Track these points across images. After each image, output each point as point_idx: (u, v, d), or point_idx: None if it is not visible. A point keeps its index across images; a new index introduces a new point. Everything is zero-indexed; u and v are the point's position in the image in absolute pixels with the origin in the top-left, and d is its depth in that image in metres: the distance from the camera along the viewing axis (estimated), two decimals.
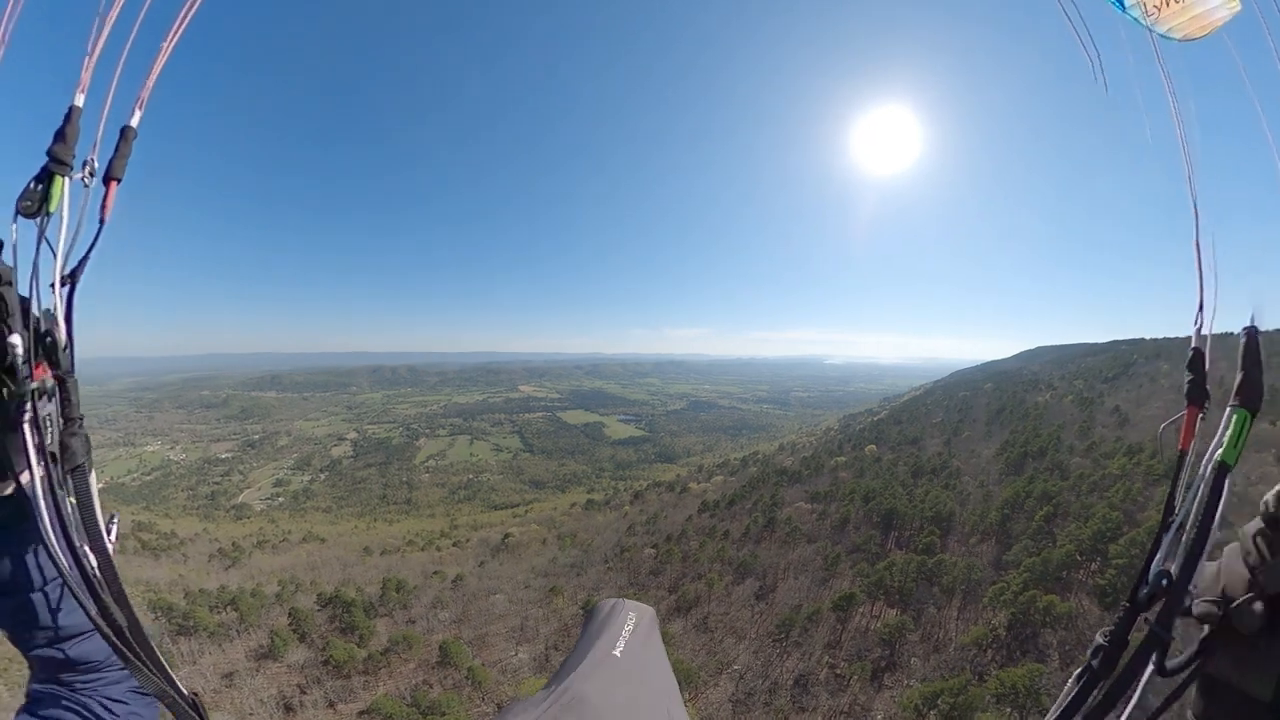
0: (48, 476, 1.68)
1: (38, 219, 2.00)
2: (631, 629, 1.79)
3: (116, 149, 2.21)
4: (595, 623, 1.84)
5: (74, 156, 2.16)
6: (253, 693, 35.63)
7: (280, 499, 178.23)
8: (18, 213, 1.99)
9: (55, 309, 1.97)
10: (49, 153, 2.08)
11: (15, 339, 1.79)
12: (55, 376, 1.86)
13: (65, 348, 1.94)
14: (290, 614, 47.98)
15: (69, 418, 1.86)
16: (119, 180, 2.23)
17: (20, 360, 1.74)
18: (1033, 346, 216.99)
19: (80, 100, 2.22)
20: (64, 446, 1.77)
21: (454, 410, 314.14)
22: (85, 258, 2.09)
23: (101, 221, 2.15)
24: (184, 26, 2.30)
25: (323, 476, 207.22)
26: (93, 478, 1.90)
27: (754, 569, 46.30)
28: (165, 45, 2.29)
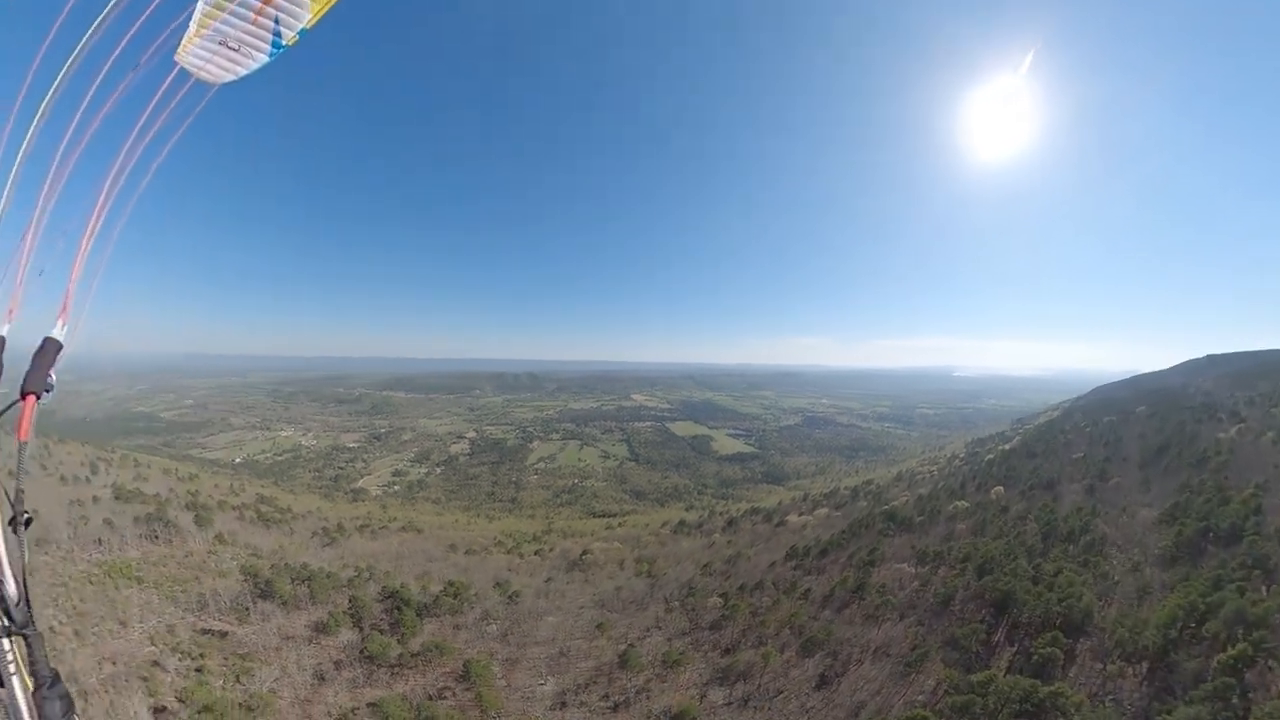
0: None
1: None
2: None
3: (35, 360, 2.96)
4: None
5: None
6: (298, 657, 37.93)
7: (396, 487, 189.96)
8: None
9: None
10: None
11: None
12: None
13: (19, 601, 2.73)
14: (350, 600, 48.09)
15: None
16: (39, 395, 3.01)
17: None
18: (1198, 356, 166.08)
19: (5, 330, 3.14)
20: None
21: (568, 415, 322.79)
22: (19, 492, 2.94)
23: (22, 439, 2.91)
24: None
25: (438, 470, 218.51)
26: None
27: (825, 645, 38.33)
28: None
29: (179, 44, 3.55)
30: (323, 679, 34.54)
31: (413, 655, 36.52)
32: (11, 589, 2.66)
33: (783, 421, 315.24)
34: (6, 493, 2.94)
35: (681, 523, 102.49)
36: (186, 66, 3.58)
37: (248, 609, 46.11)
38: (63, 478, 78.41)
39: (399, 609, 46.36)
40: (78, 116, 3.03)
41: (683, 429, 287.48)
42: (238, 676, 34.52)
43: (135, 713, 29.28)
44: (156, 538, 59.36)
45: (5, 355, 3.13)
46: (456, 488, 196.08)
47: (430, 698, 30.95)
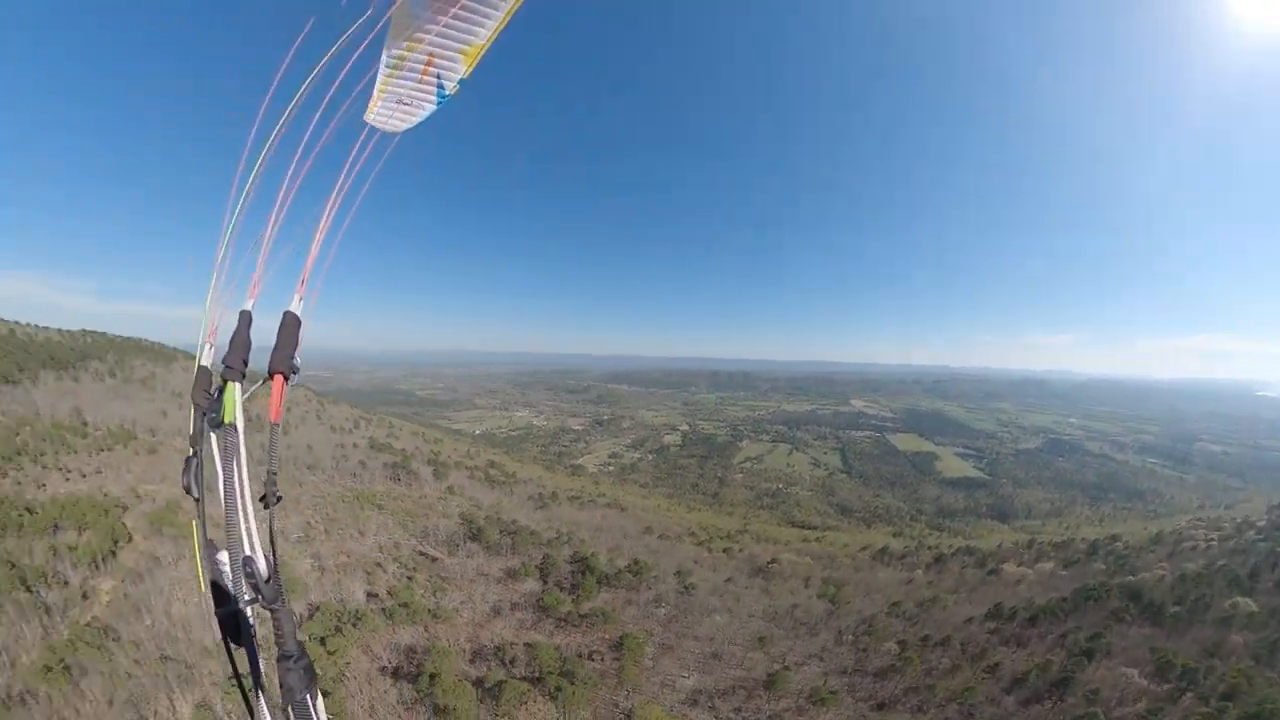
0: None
1: (219, 429, 2.99)
2: None
3: (279, 338, 3.05)
4: None
5: (246, 363, 3.15)
6: (484, 591, 40.86)
7: (610, 468, 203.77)
8: (210, 425, 3.01)
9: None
10: (224, 361, 3.08)
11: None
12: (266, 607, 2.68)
13: (269, 578, 2.74)
14: (544, 557, 50.88)
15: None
16: (287, 376, 3.07)
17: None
18: None
19: (251, 304, 3.36)
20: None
21: (780, 417, 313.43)
22: (272, 472, 3.03)
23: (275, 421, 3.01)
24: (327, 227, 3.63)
25: (650, 457, 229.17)
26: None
27: None
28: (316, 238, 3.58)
29: (367, 106, 4.42)
30: (498, 613, 37.47)
31: (580, 616, 37.26)
32: (262, 566, 2.70)
33: (1020, 443, 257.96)
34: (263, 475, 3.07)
35: (884, 550, 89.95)
36: (373, 124, 4.44)
37: (458, 545, 51.46)
38: (332, 427, 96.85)
39: (583, 573, 47.83)
40: (299, 151, 3.72)
41: (904, 442, 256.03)
42: (434, 591, 38.88)
43: (354, 590, 34.61)
44: (399, 480, 69.59)
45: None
46: (664, 475, 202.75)
47: (580, 655, 30.92)
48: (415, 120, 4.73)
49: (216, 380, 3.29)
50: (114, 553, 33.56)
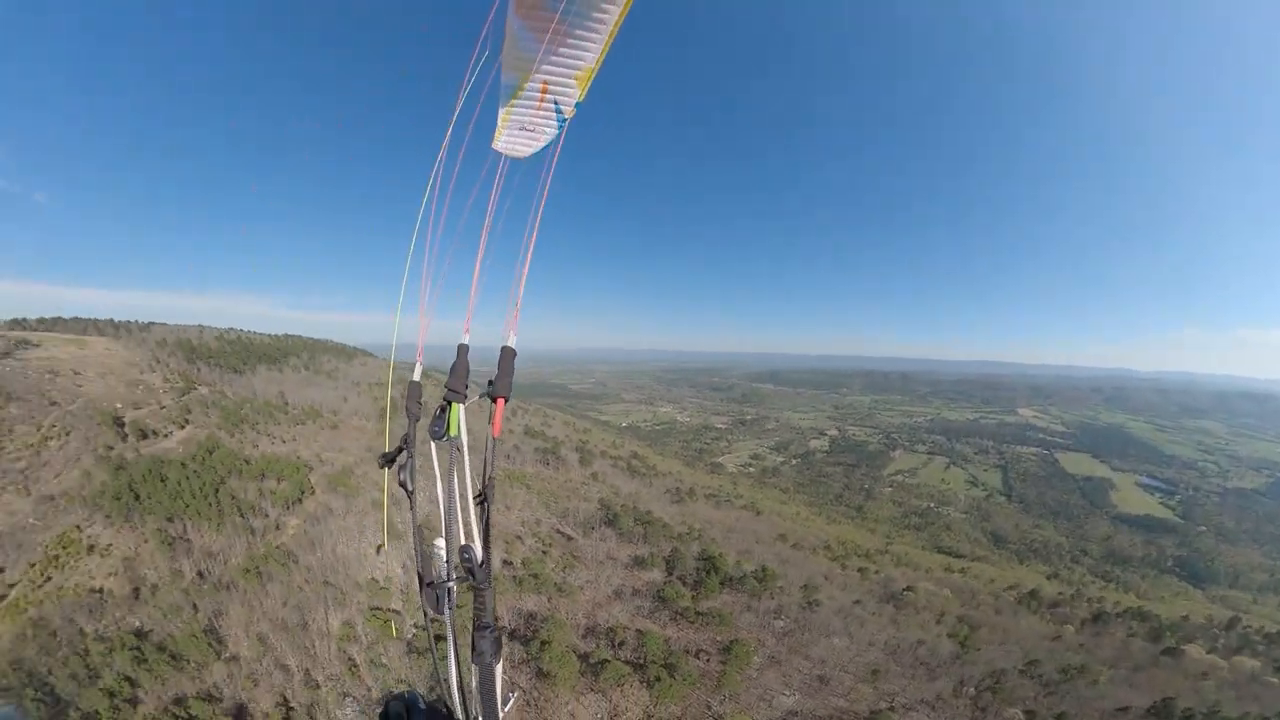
0: None
1: (444, 439, 3.64)
2: None
3: (500, 368, 3.59)
4: None
5: (466, 387, 3.77)
6: (609, 575, 44.28)
7: (751, 469, 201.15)
8: (433, 435, 3.65)
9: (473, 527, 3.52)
10: (448, 385, 3.73)
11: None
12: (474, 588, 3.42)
13: (482, 563, 3.39)
14: (672, 550, 52.70)
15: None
16: (506, 399, 3.60)
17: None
18: None
19: (467, 339, 3.97)
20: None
21: (939, 426, 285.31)
22: (490, 477, 3.70)
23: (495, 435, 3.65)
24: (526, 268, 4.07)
25: (794, 462, 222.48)
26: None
27: None
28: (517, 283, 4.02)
29: (494, 134, 4.95)
30: (619, 596, 39.81)
31: (697, 613, 38.30)
32: (479, 552, 3.39)
33: (1230, 480, 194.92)
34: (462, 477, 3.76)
35: (1033, 593, 77.77)
36: (500, 150, 4.91)
37: (593, 528, 54.92)
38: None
39: (708, 572, 48.82)
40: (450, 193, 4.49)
41: (1075, 463, 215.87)
42: (564, 568, 42.29)
43: (493, 558, 39.59)
44: (547, 464, 75.53)
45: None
46: (807, 482, 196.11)
47: (687, 651, 31.99)
48: (539, 145, 5.05)
49: (426, 396, 4.18)
50: (300, 500, 43.62)
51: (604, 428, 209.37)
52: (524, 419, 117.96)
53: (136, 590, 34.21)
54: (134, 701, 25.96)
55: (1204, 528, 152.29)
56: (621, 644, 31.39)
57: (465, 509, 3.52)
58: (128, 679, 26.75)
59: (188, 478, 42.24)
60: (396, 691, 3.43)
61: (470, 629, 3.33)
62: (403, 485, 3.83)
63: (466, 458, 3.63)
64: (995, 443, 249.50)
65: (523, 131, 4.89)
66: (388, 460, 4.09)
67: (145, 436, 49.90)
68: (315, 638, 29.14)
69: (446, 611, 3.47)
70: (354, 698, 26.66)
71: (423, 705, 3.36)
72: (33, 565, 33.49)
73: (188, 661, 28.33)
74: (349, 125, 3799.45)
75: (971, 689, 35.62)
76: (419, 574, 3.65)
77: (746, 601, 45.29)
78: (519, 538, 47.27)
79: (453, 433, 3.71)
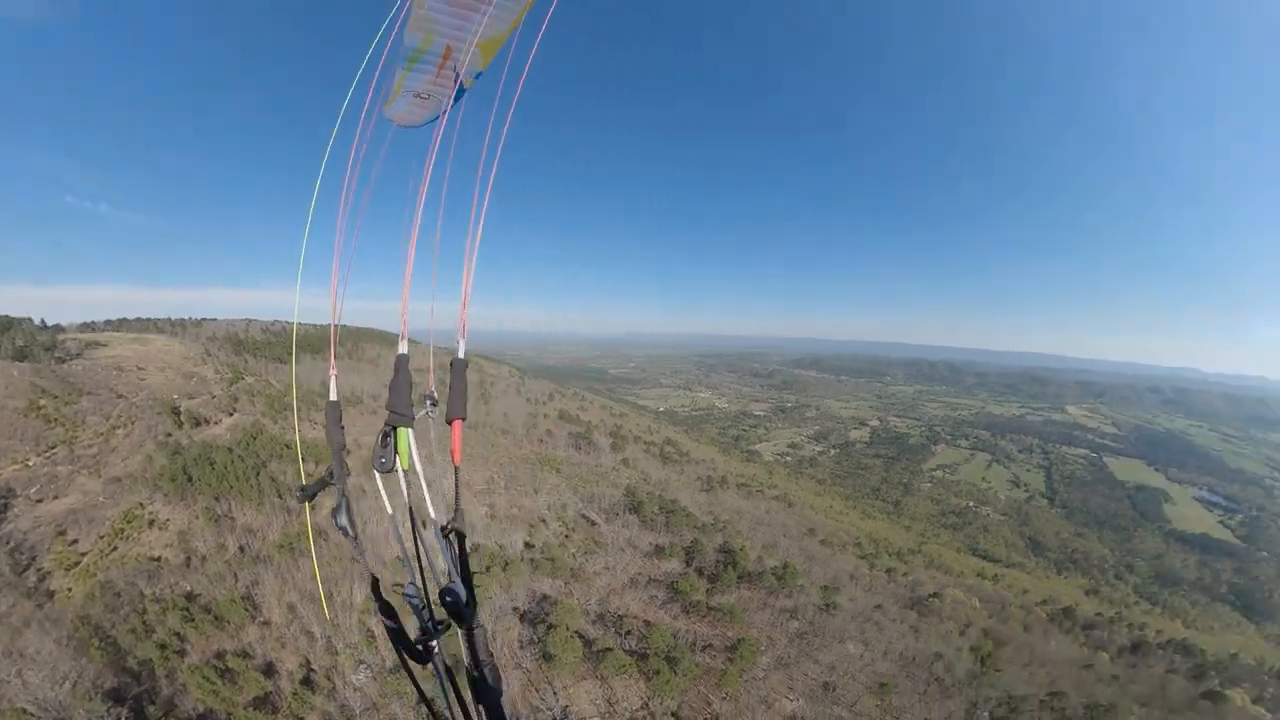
0: None
1: (392, 472, 3.31)
2: None
3: (452, 386, 3.20)
4: None
5: (411, 407, 3.38)
6: (628, 562, 45.47)
7: (788, 458, 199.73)
8: (378, 469, 3.33)
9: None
10: (389, 407, 3.33)
11: None
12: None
13: (467, 602, 3.03)
14: (693, 541, 53.40)
15: None
16: (464, 419, 3.25)
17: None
18: None
19: (405, 348, 3.56)
20: None
21: (984, 420, 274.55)
22: (458, 509, 3.40)
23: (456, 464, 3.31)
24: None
25: (832, 452, 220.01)
26: None
27: None
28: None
29: (388, 100, 4.64)
30: (634, 584, 41.17)
31: (710, 607, 38.89)
32: (462, 592, 3.02)
33: None
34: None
35: (1068, 611, 73.11)
36: (390, 117, 4.67)
37: (617, 515, 56.15)
38: (528, 399, 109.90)
39: (727, 565, 49.23)
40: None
41: (1126, 469, 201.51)
42: (584, 553, 43.77)
43: (515, 539, 41.45)
44: (579, 448, 77.19)
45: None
46: (844, 474, 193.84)
47: (694, 645, 32.72)
48: (430, 115, 4.77)
49: (342, 415, 3.85)
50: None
51: (640, 412, 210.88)
52: (560, 402, 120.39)
53: (188, 560, 37.69)
54: (181, 653, 29.28)
55: (1266, 554, 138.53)
56: (628, 633, 32.46)
57: (438, 544, 3.24)
58: (177, 634, 30.03)
59: (233, 461, 46.17)
60: None
61: (465, 670, 3.07)
62: (344, 531, 3.44)
63: (425, 488, 3.31)
64: (1041, 441, 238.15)
65: (416, 99, 4.65)
66: (306, 495, 3.70)
67: (199, 424, 54.32)
68: (338, 608, 31.91)
69: (437, 665, 3.19)
70: (368, 664, 28.98)
71: None
72: (101, 537, 37.38)
73: (228, 623, 31.48)
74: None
75: (985, 714, 34.23)
76: (389, 630, 3.23)
77: (763, 599, 45.39)
78: (543, 521, 49.16)
79: (404, 464, 3.34)
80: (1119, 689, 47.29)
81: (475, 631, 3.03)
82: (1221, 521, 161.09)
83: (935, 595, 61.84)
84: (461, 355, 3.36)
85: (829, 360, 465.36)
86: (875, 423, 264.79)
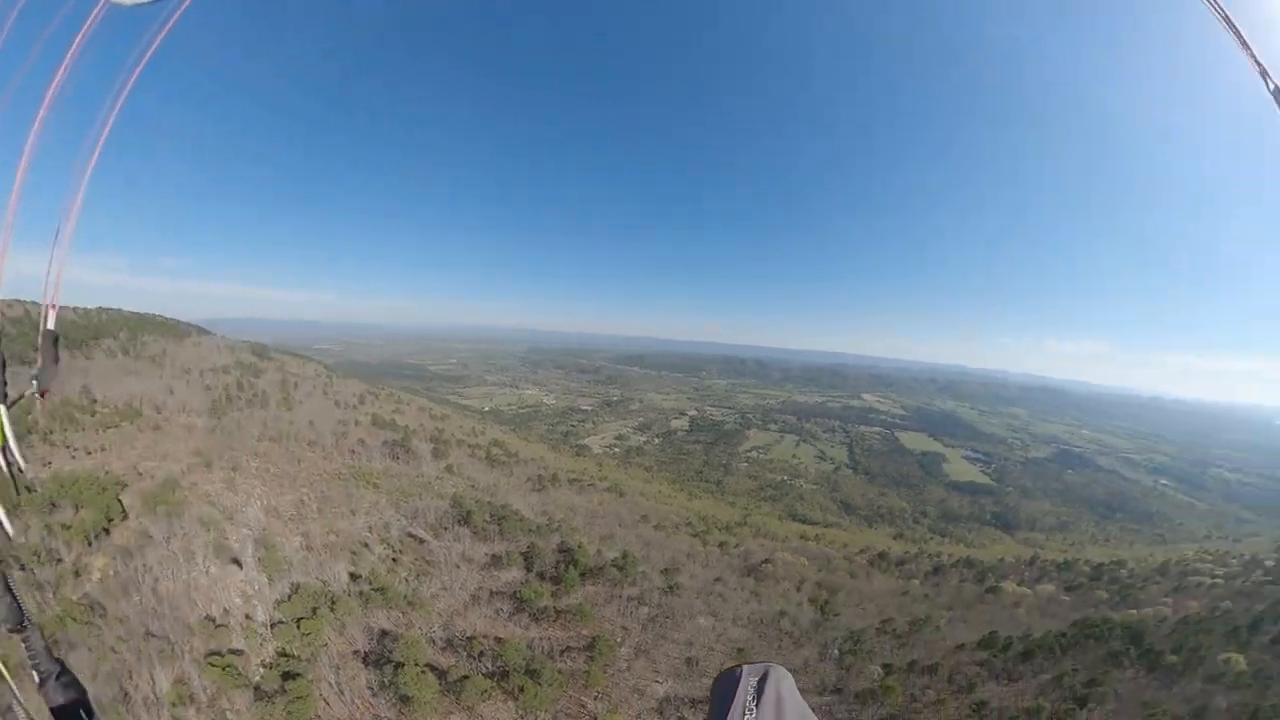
0: None
1: None
2: (754, 698, 1.64)
3: (42, 355, 2.98)
4: (720, 700, 1.73)
5: (5, 383, 3.04)
6: (465, 579, 41.31)
7: (616, 450, 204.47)
8: None
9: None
10: None
11: None
12: None
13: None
14: (530, 545, 50.93)
15: None
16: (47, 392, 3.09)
17: None
18: None
19: None
20: None
21: (790, 408, 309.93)
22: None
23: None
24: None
25: (656, 441, 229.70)
26: None
27: None
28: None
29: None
30: (476, 601, 38.15)
31: (558, 611, 37.26)
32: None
33: (1031, 451, 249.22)
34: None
35: (883, 555, 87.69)
36: None
37: (446, 528, 51.61)
38: (337, 403, 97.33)
39: (568, 565, 47.76)
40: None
41: (913, 441, 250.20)
42: (417, 575, 39.29)
43: (337, 571, 35.28)
44: (397, 458, 70.18)
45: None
46: (669, 460, 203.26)
47: (551, 653, 30.98)
48: None
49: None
50: (107, 530, 34.48)
51: (464, 413, 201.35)
52: (373, 405, 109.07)
53: None
54: None
55: (1011, 489, 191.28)
56: (482, 654, 29.57)
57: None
58: None
59: None
60: None
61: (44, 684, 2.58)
62: None
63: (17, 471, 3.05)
64: (841, 423, 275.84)
65: None
66: None
67: None
68: (141, 710, 23.37)
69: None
70: None
71: None
72: None
73: None
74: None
75: (835, 651, 38.42)
76: None
77: (609, 591, 45.02)
78: (366, 545, 43.05)
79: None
80: (930, 604, 57.45)
81: (30, 634, 2.78)
82: (982, 471, 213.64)
83: (768, 561, 66.88)
84: (51, 326, 3.16)
85: (651, 357, 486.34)
86: (694, 412, 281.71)
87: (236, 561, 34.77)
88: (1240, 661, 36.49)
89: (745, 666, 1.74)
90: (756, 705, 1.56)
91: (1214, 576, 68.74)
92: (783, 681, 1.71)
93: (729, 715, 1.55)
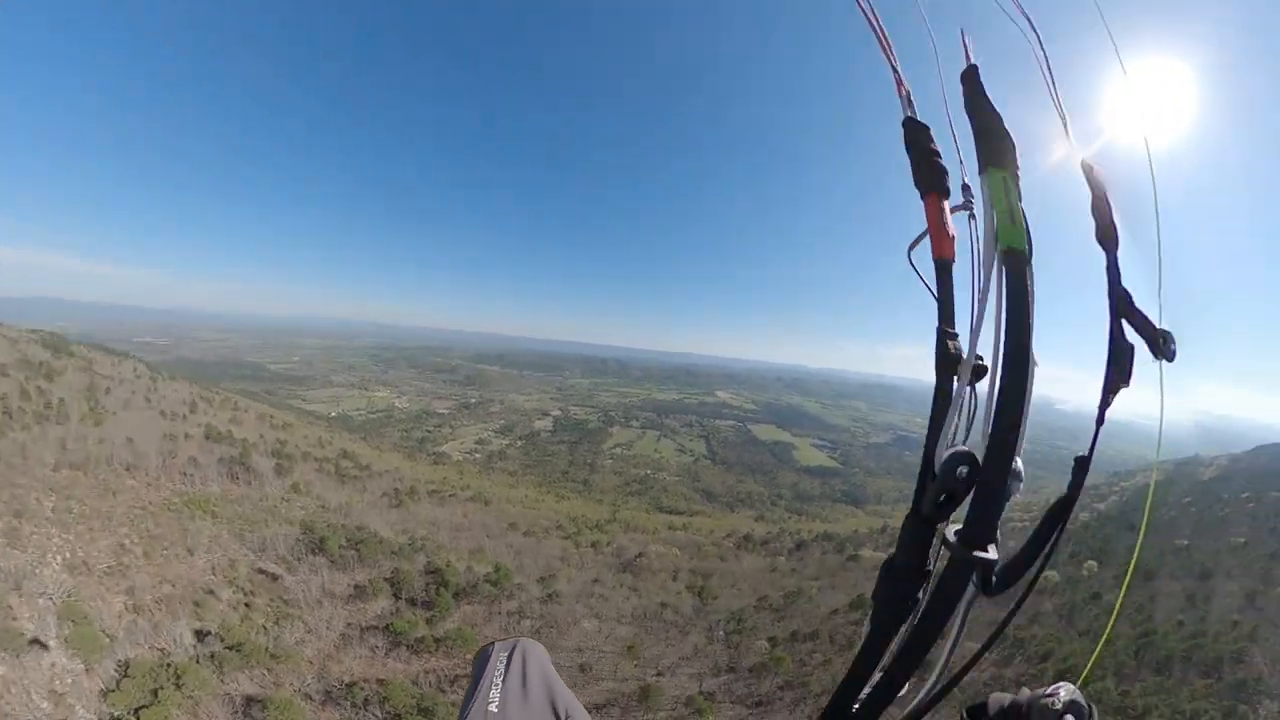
0: None
1: None
2: (504, 673, 1.78)
3: None
4: (475, 676, 1.84)
5: None
6: (331, 616, 37.87)
7: (477, 455, 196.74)
8: None
9: None
10: None
11: None
12: None
13: None
14: (394, 570, 48.43)
15: None
16: None
17: None
18: None
19: None
20: None
21: (650, 405, 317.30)
22: None
23: None
24: None
25: (519, 443, 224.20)
26: None
27: None
28: None
29: None
30: (347, 642, 35.14)
31: (436, 640, 35.66)
32: None
33: (871, 438, 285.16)
34: None
35: (747, 536, 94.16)
36: None
37: (300, 559, 47.51)
38: (162, 412, 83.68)
39: (438, 587, 46.07)
40: None
41: (765, 432, 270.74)
42: (276, 620, 35.33)
43: (179, 632, 30.33)
44: (237, 479, 62.83)
45: None
46: (534, 462, 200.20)
47: (440, 685, 29.91)
48: None
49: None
50: None
51: (309, 420, 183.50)
52: (207, 414, 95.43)
53: None
54: None
55: (857, 469, 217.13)
56: (367, 701, 27.52)
57: None
58: None
59: None
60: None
61: None
62: None
63: None
64: (698, 418, 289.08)
65: None
66: None
67: None
68: None
69: None
70: None
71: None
72: None
73: None
74: None
75: (721, 633, 40.22)
76: None
77: (487, 609, 43.83)
78: (211, 592, 37.31)
79: None
80: (798, 576, 61.26)
81: None
82: (830, 456, 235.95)
83: (641, 555, 68.21)
84: None
85: (511, 356, 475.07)
86: (557, 412, 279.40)
87: (39, 643, 26.13)
88: (1054, 575, 44.79)
89: (497, 642, 2.01)
90: (503, 677, 1.76)
91: (1024, 523, 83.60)
92: (529, 653, 1.95)
93: (478, 687, 1.74)
